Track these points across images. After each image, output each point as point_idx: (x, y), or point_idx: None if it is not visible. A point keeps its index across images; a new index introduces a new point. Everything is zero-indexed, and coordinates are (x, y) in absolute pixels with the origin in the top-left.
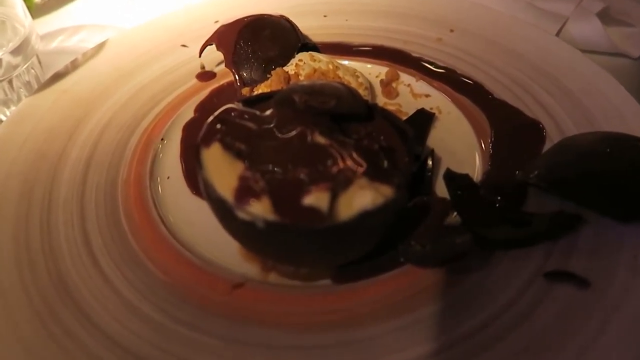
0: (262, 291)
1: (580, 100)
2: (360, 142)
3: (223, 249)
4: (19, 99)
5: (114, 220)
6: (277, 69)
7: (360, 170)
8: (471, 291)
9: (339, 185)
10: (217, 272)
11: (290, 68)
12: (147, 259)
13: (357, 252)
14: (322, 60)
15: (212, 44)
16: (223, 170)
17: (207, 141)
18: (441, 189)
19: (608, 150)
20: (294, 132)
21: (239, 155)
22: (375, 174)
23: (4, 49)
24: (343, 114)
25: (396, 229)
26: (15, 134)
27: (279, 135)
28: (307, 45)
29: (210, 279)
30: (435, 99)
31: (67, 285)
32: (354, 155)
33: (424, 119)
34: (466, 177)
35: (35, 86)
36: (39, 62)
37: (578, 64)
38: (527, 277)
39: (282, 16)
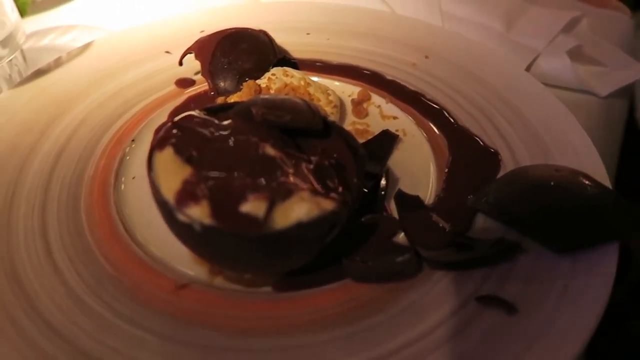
0: (206, 293)
1: (538, 133)
2: (311, 158)
3: (175, 250)
4: (0, 91)
5: (74, 212)
6: (249, 81)
7: (304, 184)
8: (406, 308)
9: (278, 195)
10: (165, 271)
11: (262, 81)
12: (99, 253)
13: (294, 262)
14: (295, 76)
15: (192, 53)
16: (170, 173)
17: (161, 145)
18: (393, 208)
19: (553, 183)
20: (245, 143)
21: (188, 160)
22: (319, 189)
23: None
24: (298, 129)
25: (342, 243)
26: None
27: (231, 144)
28: (285, 60)
29: (157, 277)
30: (402, 121)
31: (17, 272)
32: (302, 169)
33: (387, 140)
34: (416, 199)
35: (17, 80)
36: (24, 58)
37: (541, 98)
38: (461, 299)
39: (261, 31)
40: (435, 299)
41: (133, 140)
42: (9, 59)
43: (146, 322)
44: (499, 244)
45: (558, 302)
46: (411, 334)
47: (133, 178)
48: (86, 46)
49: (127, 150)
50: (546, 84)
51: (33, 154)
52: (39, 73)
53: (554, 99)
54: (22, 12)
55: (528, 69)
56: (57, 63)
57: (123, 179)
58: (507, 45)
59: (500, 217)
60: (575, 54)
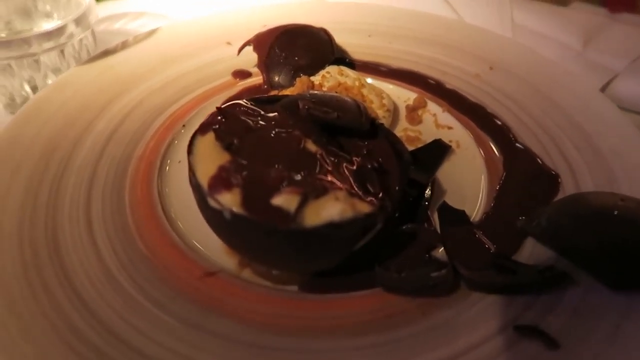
0: (232, 284)
1: (606, 160)
2: (353, 158)
3: (208, 237)
4: (68, 68)
5: (118, 190)
6: (303, 77)
7: (342, 183)
8: (436, 327)
9: (313, 192)
10: (195, 257)
11: (316, 78)
12: (136, 232)
13: (321, 262)
14: (350, 76)
15: (251, 45)
16: (208, 158)
17: (204, 130)
18: (437, 221)
19: (616, 213)
20: (287, 136)
21: (228, 147)
22: (357, 191)
23: (67, 19)
24: (344, 127)
25: (377, 250)
26: (53, 100)
27: (273, 136)
28: (342, 60)
29: (187, 262)
30: (457, 132)
31: (58, 240)
32: (342, 168)
33: (438, 150)
34: (461, 214)
35: (85, 59)
36: (94, 38)
37: (614, 123)
38: (498, 325)
39: (322, 29)
40: (469, 321)
41: (184, 126)
42: (80, 37)
43: (171, 306)
44: (547, 272)
45: (606, 343)
46: (436, 354)
47: (179, 162)
48: (152, 32)
49: (177, 134)
50: (622, 108)
51: (89, 129)
52: (106, 53)
53: (629, 125)
54: None
55: (603, 90)
56: (124, 45)
57: (169, 161)
58: (581, 63)
59: (552, 243)
60: None
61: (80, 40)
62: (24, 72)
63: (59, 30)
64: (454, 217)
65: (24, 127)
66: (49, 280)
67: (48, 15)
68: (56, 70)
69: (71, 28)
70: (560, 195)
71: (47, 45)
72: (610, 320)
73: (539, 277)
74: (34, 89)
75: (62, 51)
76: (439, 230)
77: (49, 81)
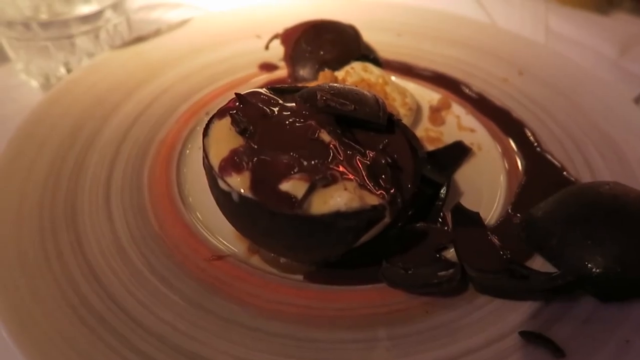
0: (239, 269)
1: (632, 170)
2: (368, 152)
3: (220, 222)
4: (101, 52)
5: (138, 169)
6: (327, 71)
7: (353, 175)
8: (439, 326)
9: (322, 180)
10: (205, 239)
11: (340, 73)
12: (151, 210)
13: (325, 251)
14: (374, 73)
15: (278, 38)
16: (222, 141)
17: (221, 114)
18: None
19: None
20: (302, 125)
21: (243, 132)
22: (367, 183)
23: (104, 4)
24: (361, 120)
25: (386, 246)
26: (84, 81)
27: (288, 124)
28: (368, 57)
29: (197, 243)
30: (480, 135)
31: (75, 210)
32: (355, 161)
33: (458, 151)
34: (475, 216)
35: (118, 43)
36: (128, 24)
37: None
38: (503, 330)
39: (350, 25)
40: (473, 323)
41: (207, 113)
42: (115, 22)
43: (176, 283)
44: (559, 279)
45: (614, 355)
46: (436, 354)
47: (199, 148)
48: (185, 21)
49: (200, 121)
50: None
51: (116, 111)
52: (139, 39)
53: None
54: None
55: (638, 100)
56: (157, 33)
57: (189, 146)
58: (615, 72)
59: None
60: None
61: (115, 25)
62: (60, 54)
63: (96, 15)
64: (468, 218)
65: (54, 105)
66: (62, 246)
67: (86, 1)
68: (90, 54)
69: (108, 13)
70: None
71: (84, 28)
72: (620, 334)
73: (550, 284)
74: (69, 70)
75: (97, 36)
76: (451, 230)
77: (83, 64)
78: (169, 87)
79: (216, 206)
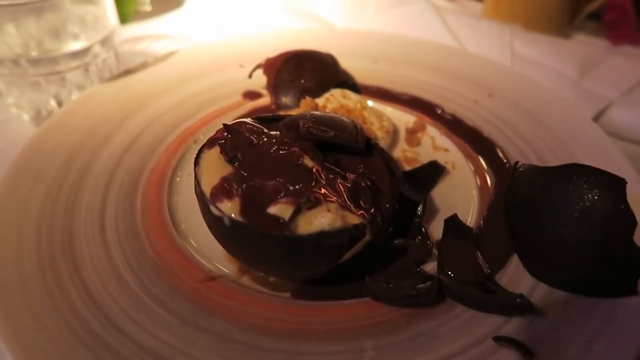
0: (231, 288)
1: None
2: (348, 175)
3: (211, 245)
4: (92, 85)
5: (131, 197)
6: (308, 98)
7: (335, 197)
8: (419, 335)
9: (306, 203)
10: (198, 262)
11: (320, 100)
12: (144, 235)
13: (311, 268)
14: (352, 99)
15: (261, 68)
16: (212, 169)
17: (210, 144)
18: (428, 235)
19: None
20: (286, 152)
21: (231, 160)
22: (348, 205)
23: (93, 40)
24: (340, 145)
25: (368, 262)
26: (76, 114)
27: (273, 152)
28: (348, 84)
29: (190, 266)
30: (453, 155)
31: (72, 239)
32: (336, 184)
33: (433, 170)
34: (468, 230)
35: (107, 76)
36: (116, 58)
37: (603, 150)
38: (478, 336)
39: (328, 54)
40: (451, 331)
41: (195, 141)
42: (104, 57)
43: (171, 304)
44: (518, 299)
45: (578, 355)
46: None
47: (189, 175)
48: (170, 53)
49: (188, 149)
50: (616, 136)
51: (107, 142)
52: (127, 72)
53: (616, 152)
54: (124, 20)
55: (597, 118)
56: (144, 65)
57: (179, 173)
58: (577, 92)
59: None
60: None
61: (104, 59)
62: (51, 88)
63: (85, 51)
64: (459, 230)
65: (48, 138)
66: (62, 275)
67: (76, 36)
68: (80, 87)
69: (96, 49)
70: None
71: (73, 64)
72: (584, 336)
73: (510, 301)
74: (59, 103)
75: (86, 69)
76: (437, 241)
77: (73, 97)
78: (158, 117)
79: (207, 230)
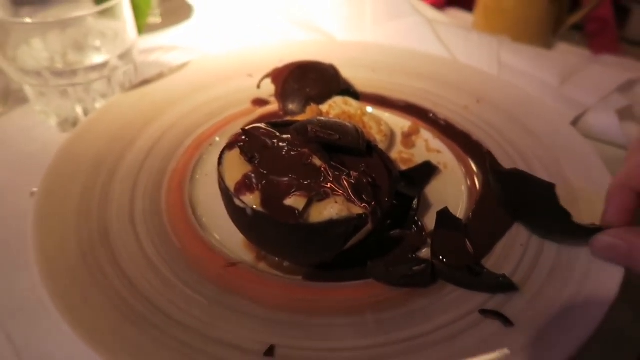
0: (250, 273)
1: (570, 183)
2: (352, 173)
3: (231, 236)
4: (114, 94)
5: (156, 196)
6: (313, 105)
7: (341, 191)
8: (415, 310)
9: (317, 196)
10: (220, 250)
11: (324, 107)
12: (170, 230)
13: (322, 253)
14: (353, 106)
15: (269, 77)
16: (234, 168)
17: (231, 146)
18: (423, 227)
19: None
20: (297, 153)
21: (250, 160)
22: (352, 198)
23: (113, 54)
24: (344, 147)
25: (371, 249)
26: (101, 121)
27: (285, 152)
28: (348, 91)
29: (213, 255)
30: (445, 156)
31: (108, 234)
32: (342, 180)
33: (427, 170)
34: (457, 221)
35: (127, 86)
36: (135, 69)
37: (580, 151)
38: (466, 310)
39: (330, 65)
40: (442, 307)
41: (210, 145)
42: (123, 70)
43: (198, 287)
44: (501, 278)
45: (551, 325)
46: (414, 331)
47: (206, 175)
48: (184, 64)
49: (204, 152)
50: (593, 139)
51: (131, 146)
52: (145, 82)
53: (592, 153)
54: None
55: (576, 122)
56: (160, 75)
57: (199, 172)
58: (557, 98)
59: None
60: (627, 114)
61: (125, 71)
62: (76, 96)
63: (104, 65)
64: (451, 221)
65: (79, 143)
66: (102, 263)
67: (97, 50)
68: (104, 95)
69: (115, 62)
70: None
71: (93, 76)
72: (556, 308)
73: (494, 281)
74: (85, 110)
75: (109, 79)
76: (430, 230)
77: (97, 104)
78: (175, 122)
79: (226, 223)
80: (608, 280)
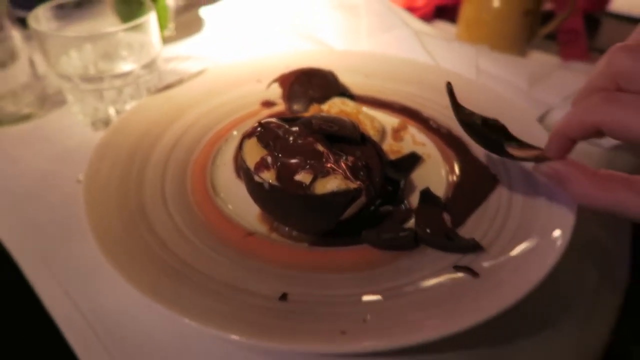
0: (264, 241)
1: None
2: (348, 157)
3: (248, 211)
4: (141, 97)
5: (182, 180)
6: (315, 105)
7: (340, 171)
8: (402, 267)
9: (320, 173)
10: (239, 222)
11: (324, 106)
12: (196, 207)
13: (325, 221)
14: (349, 105)
15: (276, 82)
16: (253, 153)
17: (249, 135)
18: (409, 205)
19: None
20: (304, 141)
21: (266, 146)
22: (349, 176)
23: (139, 64)
24: (342, 136)
25: (365, 221)
26: (132, 120)
27: (294, 140)
28: (345, 94)
29: (233, 226)
30: (429, 148)
31: (145, 209)
32: (340, 163)
33: (413, 159)
34: (437, 199)
35: (152, 90)
36: (159, 76)
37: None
38: (442, 266)
39: (330, 71)
40: (423, 264)
41: (226, 140)
42: (150, 77)
43: (223, 251)
44: (471, 242)
45: (509, 276)
46: (401, 281)
47: (224, 164)
48: (201, 71)
49: (221, 146)
50: None
51: (159, 140)
52: (168, 87)
53: None
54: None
55: (542, 118)
56: (180, 81)
57: (217, 162)
58: (527, 99)
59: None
60: None
61: (150, 78)
62: (111, 99)
63: (128, 74)
64: (431, 198)
65: (115, 138)
66: (142, 232)
67: (125, 59)
68: (133, 97)
69: (139, 71)
70: (496, 193)
71: (118, 83)
72: (514, 263)
73: (466, 244)
74: (117, 111)
75: (137, 85)
76: (415, 206)
77: (127, 106)
78: (195, 122)
79: (242, 200)
80: (557, 238)
